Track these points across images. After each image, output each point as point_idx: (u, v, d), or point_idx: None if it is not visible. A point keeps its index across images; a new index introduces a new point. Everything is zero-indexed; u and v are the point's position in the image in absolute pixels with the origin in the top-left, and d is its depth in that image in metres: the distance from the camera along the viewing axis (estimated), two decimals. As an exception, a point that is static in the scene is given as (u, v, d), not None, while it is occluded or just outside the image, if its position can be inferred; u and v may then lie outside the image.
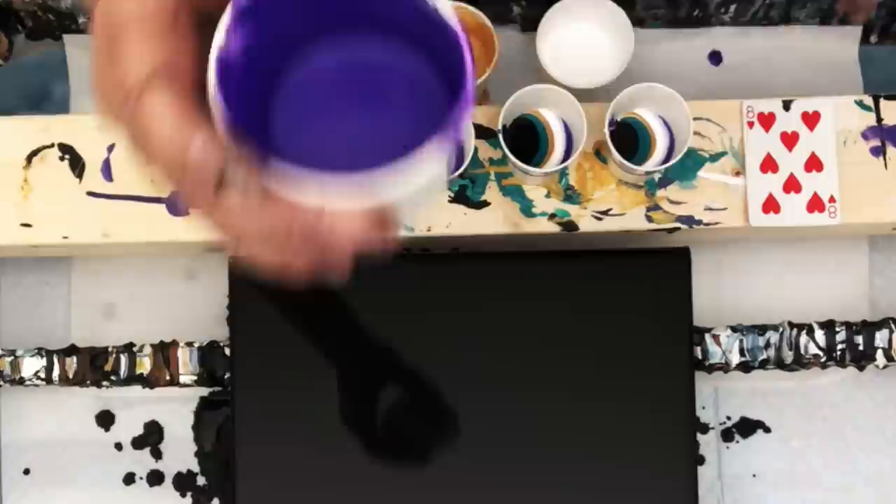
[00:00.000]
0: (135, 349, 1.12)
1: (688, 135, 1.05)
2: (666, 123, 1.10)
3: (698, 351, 1.12)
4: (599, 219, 1.11)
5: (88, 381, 1.12)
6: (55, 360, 1.12)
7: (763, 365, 1.13)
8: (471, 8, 1.10)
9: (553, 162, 1.08)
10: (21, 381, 1.12)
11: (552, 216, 1.11)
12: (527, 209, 1.11)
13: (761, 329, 1.13)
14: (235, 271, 1.09)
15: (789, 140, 1.12)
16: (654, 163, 1.08)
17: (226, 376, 1.12)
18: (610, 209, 1.11)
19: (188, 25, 0.59)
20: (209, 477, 1.16)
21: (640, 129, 1.10)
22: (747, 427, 1.17)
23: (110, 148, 1.11)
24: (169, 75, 0.58)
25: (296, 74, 0.54)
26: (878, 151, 1.13)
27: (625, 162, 1.06)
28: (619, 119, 1.09)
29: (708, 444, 1.17)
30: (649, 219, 1.11)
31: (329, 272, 0.60)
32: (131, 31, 0.58)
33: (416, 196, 0.56)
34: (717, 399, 1.17)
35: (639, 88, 1.06)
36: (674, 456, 1.07)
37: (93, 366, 1.12)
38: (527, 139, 1.09)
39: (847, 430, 1.17)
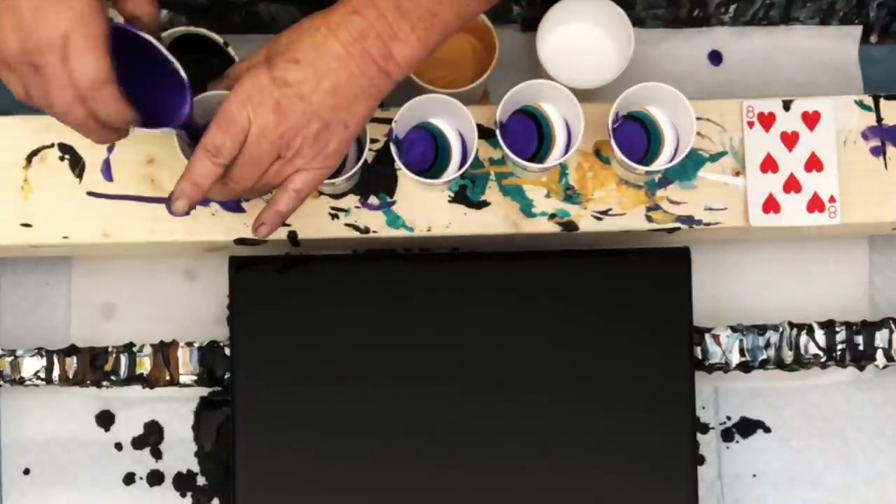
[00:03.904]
0: (135, 349, 1.12)
1: (691, 135, 1.05)
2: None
3: (698, 351, 1.12)
4: (599, 219, 1.11)
5: (88, 381, 1.12)
6: (55, 360, 1.12)
7: (763, 365, 1.13)
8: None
9: (552, 158, 1.08)
10: (21, 381, 1.12)
11: (552, 216, 1.11)
12: (527, 209, 1.11)
13: (761, 329, 1.13)
14: (236, 271, 1.09)
15: (789, 140, 1.12)
16: (660, 162, 1.08)
17: (226, 376, 1.12)
18: (610, 209, 1.11)
19: None
20: (209, 477, 1.16)
21: (651, 125, 1.09)
22: (747, 427, 1.17)
23: (110, 148, 1.11)
24: (83, 31, 0.88)
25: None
26: (878, 151, 1.13)
27: (626, 160, 1.06)
28: (629, 112, 1.09)
29: (708, 444, 1.17)
30: (649, 219, 1.11)
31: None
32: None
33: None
34: (717, 399, 1.17)
35: (644, 87, 1.06)
36: (674, 456, 1.07)
37: (93, 366, 1.12)
38: (528, 135, 1.09)
39: (847, 430, 1.17)
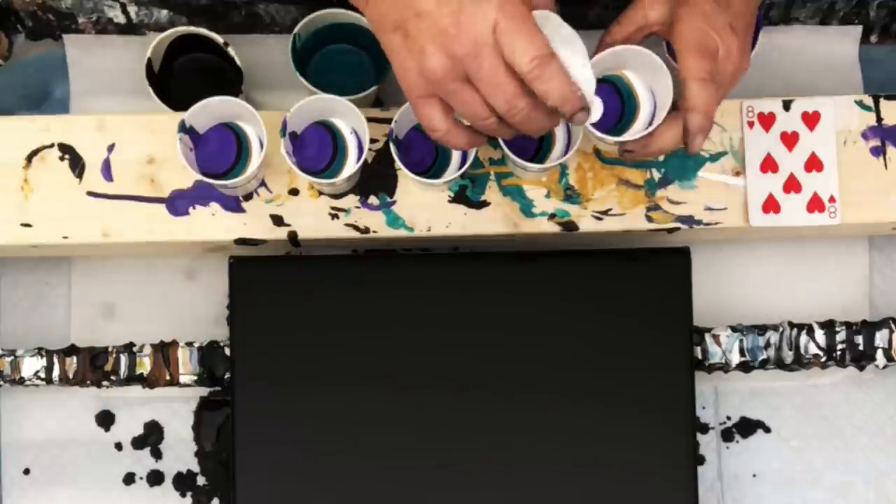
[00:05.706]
0: (135, 349, 1.12)
1: (668, 103, 1.00)
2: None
3: (698, 351, 1.12)
4: (599, 219, 1.11)
5: (88, 381, 1.12)
6: (55, 360, 1.12)
7: (763, 365, 1.13)
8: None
9: (552, 158, 1.08)
10: (21, 381, 1.12)
11: (552, 216, 1.11)
12: (527, 209, 1.11)
13: (761, 329, 1.13)
14: (236, 271, 1.09)
15: (789, 140, 1.12)
16: (634, 131, 1.02)
17: (226, 376, 1.12)
18: (610, 209, 1.11)
19: None
20: (209, 477, 1.16)
21: (625, 90, 1.04)
22: (747, 427, 1.17)
23: (110, 148, 1.11)
24: (509, 11, 0.84)
25: None
26: (878, 151, 1.13)
27: (594, 131, 1.01)
28: (604, 76, 1.03)
29: (708, 444, 1.17)
30: (649, 219, 1.11)
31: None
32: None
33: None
34: (717, 399, 1.17)
35: (621, 50, 1.00)
36: (674, 456, 1.07)
37: (93, 366, 1.12)
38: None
39: (847, 430, 1.17)
